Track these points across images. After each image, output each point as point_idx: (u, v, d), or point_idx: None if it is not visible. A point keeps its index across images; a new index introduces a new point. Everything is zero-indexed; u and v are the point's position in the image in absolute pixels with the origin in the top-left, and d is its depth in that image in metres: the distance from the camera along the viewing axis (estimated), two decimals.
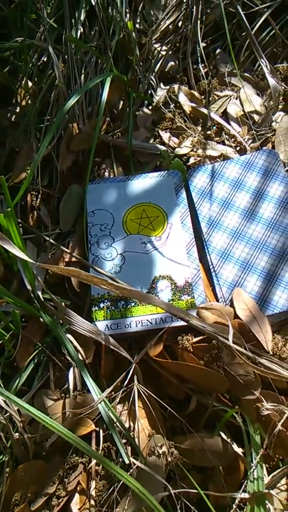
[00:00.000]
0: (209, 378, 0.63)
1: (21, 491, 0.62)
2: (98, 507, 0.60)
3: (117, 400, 0.66)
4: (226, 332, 0.61)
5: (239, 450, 0.62)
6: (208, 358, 0.64)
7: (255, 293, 0.71)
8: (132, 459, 0.58)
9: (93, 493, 0.62)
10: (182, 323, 0.66)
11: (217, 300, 0.72)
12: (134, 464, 0.57)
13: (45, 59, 0.96)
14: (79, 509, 0.61)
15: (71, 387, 0.66)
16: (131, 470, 0.58)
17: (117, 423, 0.62)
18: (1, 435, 0.63)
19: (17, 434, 0.63)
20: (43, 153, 0.67)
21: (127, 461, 0.57)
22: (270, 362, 0.60)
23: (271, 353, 0.64)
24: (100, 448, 0.64)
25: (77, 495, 0.62)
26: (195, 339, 0.67)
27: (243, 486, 0.57)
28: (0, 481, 0.62)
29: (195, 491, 0.55)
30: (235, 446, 0.62)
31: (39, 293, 0.71)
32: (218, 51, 1.05)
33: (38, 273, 0.72)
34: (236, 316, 0.69)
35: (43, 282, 0.73)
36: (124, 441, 0.63)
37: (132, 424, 0.65)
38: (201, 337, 0.67)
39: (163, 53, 1.00)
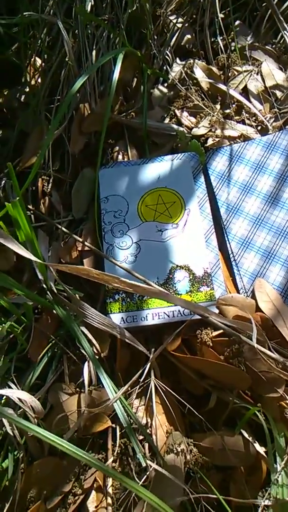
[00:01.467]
0: (230, 375, 0.60)
1: (37, 488, 0.60)
2: (116, 505, 0.59)
3: (134, 395, 0.64)
4: (248, 328, 0.58)
5: (261, 450, 0.59)
6: (229, 353, 0.61)
7: (279, 284, 0.67)
8: (149, 462, 0.55)
9: (110, 490, 0.60)
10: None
11: (238, 292, 0.68)
12: (151, 466, 0.55)
13: (54, 35, 0.91)
14: (95, 507, 0.59)
15: (86, 382, 0.63)
16: (147, 472, 0.55)
17: (134, 421, 0.60)
18: (16, 432, 0.61)
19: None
20: (54, 135, 0.63)
21: (143, 464, 0.55)
22: None
23: None
24: (117, 445, 0.62)
25: (93, 493, 0.60)
26: (214, 333, 0.64)
27: (267, 491, 0.55)
28: (15, 478, 0.61)
29: (215, 496, 0.53)
30: (257, 445, 0.59)
31: (52, 284, 0.68)
32: (237, 22, 0.98)
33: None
34: (258, 309, 0.65)
35: (55, 272, 0.70)
36: (141, 437, 0.61)
37: (149, 421, 0.63)
38: (221, 331, 0.64)
39: (179, 25, 0.93)
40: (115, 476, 0.48)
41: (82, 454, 0.49)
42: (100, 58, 0.71)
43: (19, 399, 0.58)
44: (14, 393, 0.57)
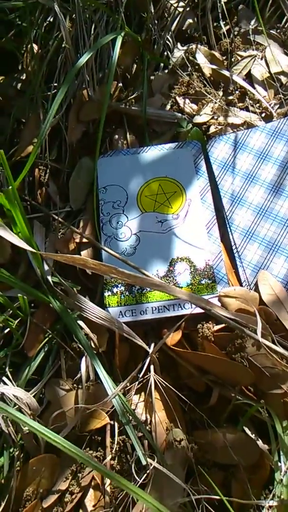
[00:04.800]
0: (232, 370, 0.58)
1: (33, 487, 0.59)
2: (114, 504, 0.57)
3: (133, 391, 0.62)
4: (252, 322, 0.55)
5: (264, 447, 0.57)
6: (231, 348, 0.59)
7: (283, 276, 0.65)
8: (149, 460, 0.53)
9: (108, 489, 0.58)
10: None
11: (240, 284, 0.66)
12: (151, 464, 0.53)
13: (51, 20, 0.88)
14: (93, 506, 0.58)
15: (83, 377, 0.61)
16: (147, 471, 0.54)
17: (133, 418, 0.58)
18: (11, 429, 0.59)
19: (27, 428, 0.59)
20: (51, 123, 0.60)
21: (144, 462, 0.53)
22: None
23: None
24: (115, 442, 0.60)
25: (91, 491, 0.59)
26: (216, 327, 0.61)
27: (270, 491, 0.53)
28: (10, 476, 0.59)
29: (217, 497, 0.51)
30: (260, 443, 0.57)
31: (49, 277, 0.66)
32: (240, 6, 0.95)
33: (47, 256, 0.67)
34: (261, 302, 0.63)
35: (52, 264, 0.68)
36: (140, 434, 0.59)
37: (148, 417, 0.61)
38: (223, 325, 0.62)
39: (180, 9, 0.90)
40: (112, 478, 0.46)
41: (78, 452, 0.47)
42: (100, 39, 0.68)
43: (14, 396, 0.56)
44: (10, 389, 0.55)
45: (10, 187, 0.49)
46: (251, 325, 0.56)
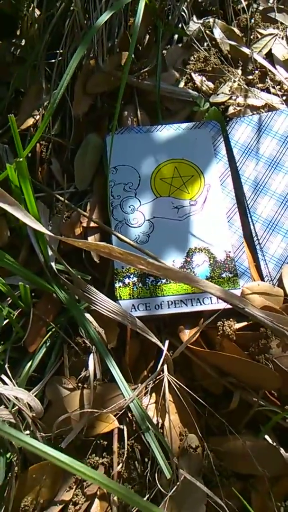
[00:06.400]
0: (256, 373, 0.53)
1: (32, 496, 0.53)
2: None
3: (143, 392, 0.57)
4: (283, 321, 0.50)
5: (287, 456, 0.53)
6: (254, 348, 0.54)
7: None
8: (181, 471, 0.48)
9: (115, 499, 0.53)
10: (222, 305, 0.56)
11: (262, 279, 0.61)
12: (177, 479, 0.47)
13: None
14: None
15: (91, 375, 0.55)
16: (175, 487, 0.48)
17: (148, 423, 0.52)
18: (11, 428, 0.53)
19: (27, 432, 0.53)
20: (61, 95, 0.53)
21: (168, 476, 0.48)
22: None
23: None
24: (125, 448, 0.54)
25: (97, 501, 0.53)
26: (238, 325, 0.56)
27: None
28: (7, 484, 0.53)
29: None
30: (282, 451, 0.53)
31: (53, 264, 0.59)
32: None
33: (51, 240, 0.60)
34: (286, 299, 0.58)
35: (56, 250, 0.61)
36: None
37: (160, 421, 0.56)
38: (245, 323, 0.57)
39: None
40: (121, 494, 0.40)
41: (81, 468, 0.40)
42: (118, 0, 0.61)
43: (15, 397, 0.50)
44: (11, 390, 0.49)
45: (21, 159, 0.42)
46: (280, 325, 0.51)
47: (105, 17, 0.56)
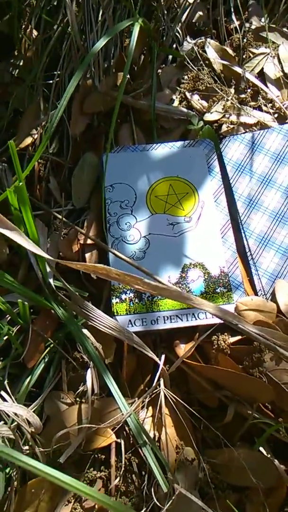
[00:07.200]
0: (250, 386, 0.55)
1: (31, 510, 0.54)
2: None
3: (140, 406, 0.58)
4: (276, 335, 0.52)
5: (281, 468, 0.54)
6: (248, 362, 0.56)
7: None
8: (176, 486, 0.49)
9: None
10: (216, 320, 0.57)
11: (256, 294, 0.63)
12: (174, 493, 0.48)
13: (55, 3, 0.82)
14: None
15: (89, 390, 0.57)
16: (172, 499, 0.49)
17: (145, 436, 0.53)
18: (8, 448, 0.54)
19: (26, 447, 0.54)
20: (61, 114, 0.55)
21: (165, 490, 0.49)
22: None
23: None
24: (122, 462, 0.55)
25: None
26: (232, 339, 0.58)
27: None
28: (7, 499, 0.54)
29: None
30: (276, 463, 0.54)
31: (51, 281, 0.61)
32: (251, 2, 0.91)
33: (50, 260, 0.61)
34: (279, 313, 0.60)
35: (54, 267, 0.63)
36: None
37: (157, 434, 0.57)
38: (239, 337, 0.58)
39: (191, 1, 0.86)
40: (117, 511, 0.41)
41: (78, 486, 0.41)
42: (116, 25, 0.63)
43: (14, 413, 0.51)
44: (10, 407, 0.50)
45: (21, 183, 0.43)
46: (271, 338, 0.53)
47: (101, 42, 0.58)
